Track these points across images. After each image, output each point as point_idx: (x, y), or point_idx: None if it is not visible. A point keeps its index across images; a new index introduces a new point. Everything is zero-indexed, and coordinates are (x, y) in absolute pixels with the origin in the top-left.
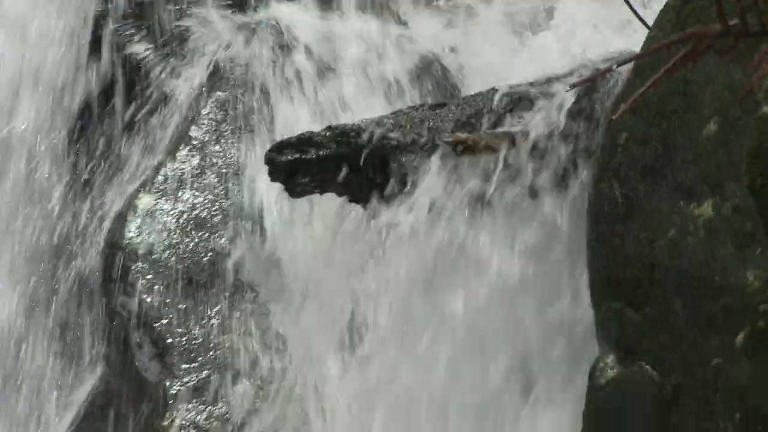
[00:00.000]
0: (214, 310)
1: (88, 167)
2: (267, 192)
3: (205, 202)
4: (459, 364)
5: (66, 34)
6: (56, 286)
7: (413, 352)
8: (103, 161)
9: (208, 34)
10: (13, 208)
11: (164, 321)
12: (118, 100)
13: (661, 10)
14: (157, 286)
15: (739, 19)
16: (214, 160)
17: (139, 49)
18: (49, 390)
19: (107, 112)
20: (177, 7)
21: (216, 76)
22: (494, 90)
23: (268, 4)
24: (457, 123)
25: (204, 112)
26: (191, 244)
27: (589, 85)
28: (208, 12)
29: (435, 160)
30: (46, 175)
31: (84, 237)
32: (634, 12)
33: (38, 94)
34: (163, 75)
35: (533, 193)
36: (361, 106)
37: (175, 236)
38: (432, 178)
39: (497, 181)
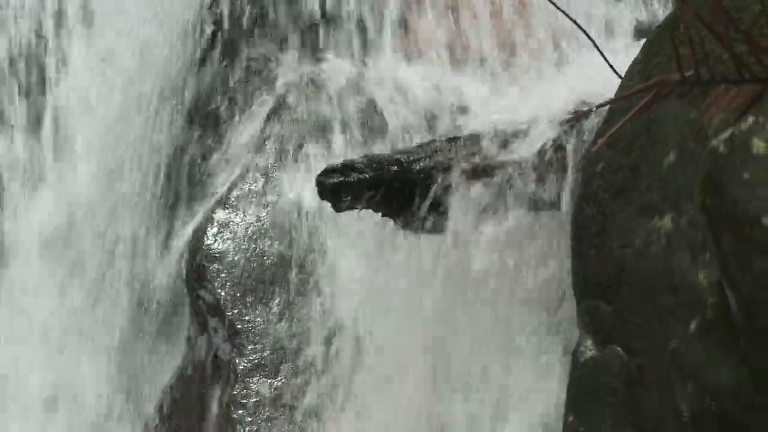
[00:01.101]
0: (275, 302)
1: (179, 187)
2: (318, 207)
3: (268, 215)
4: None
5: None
6: (154, 282)
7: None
8: (189, 183)
9: (281, 70)
10: (124, 217)
11: (234, 311)
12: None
13: (630, 64)
14: (228, 283)
15: (693, 70)
16: (275, 183)
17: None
18: (148, 361)
19: (192, 140)
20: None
21: (281, 110)
22: (497, 126)
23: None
24: (467, 152)
25: (268, 143)
26: (257, 249)
27: (574, 123)
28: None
29: (453, 183)
30: (149, 193)
31: (174, 243)
32: (611, 66)
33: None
34: (237, 112)
35: (534, 209)
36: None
37: (243, 243)
38: (450, 197)
39: (505, 199)
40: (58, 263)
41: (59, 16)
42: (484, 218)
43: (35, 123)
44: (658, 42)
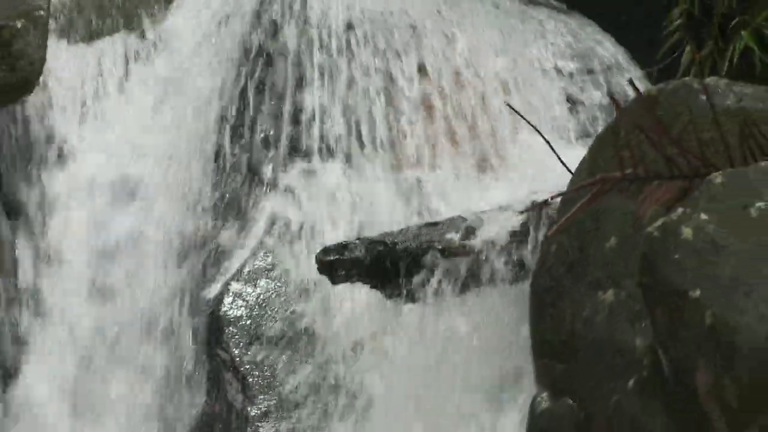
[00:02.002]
0: (281, 360)
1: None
2: (318, 279)
3: (275, 287)
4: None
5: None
6: (180, 341)
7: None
8: (207, 262)
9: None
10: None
11: (247, 366)
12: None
13: (579, 162)
14: (242, 343)
15: (632, 169)
16: (281, 260)
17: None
18: (173, 410)
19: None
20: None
21: (287, 199)
22: (469, 213)
23: None
24: (444, 236)
25: (276, 227)
26: (265, 315)
27: (533, 211)
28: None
29: (430, 261)
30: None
31: (197, 309)
32: (564, 164)
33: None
34: (252, 205)
35: (502, 283)
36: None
37: (255, 310)
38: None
39: (475, 273)
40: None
41: None
42: (458, 290)
43: None
44: (601, 145)
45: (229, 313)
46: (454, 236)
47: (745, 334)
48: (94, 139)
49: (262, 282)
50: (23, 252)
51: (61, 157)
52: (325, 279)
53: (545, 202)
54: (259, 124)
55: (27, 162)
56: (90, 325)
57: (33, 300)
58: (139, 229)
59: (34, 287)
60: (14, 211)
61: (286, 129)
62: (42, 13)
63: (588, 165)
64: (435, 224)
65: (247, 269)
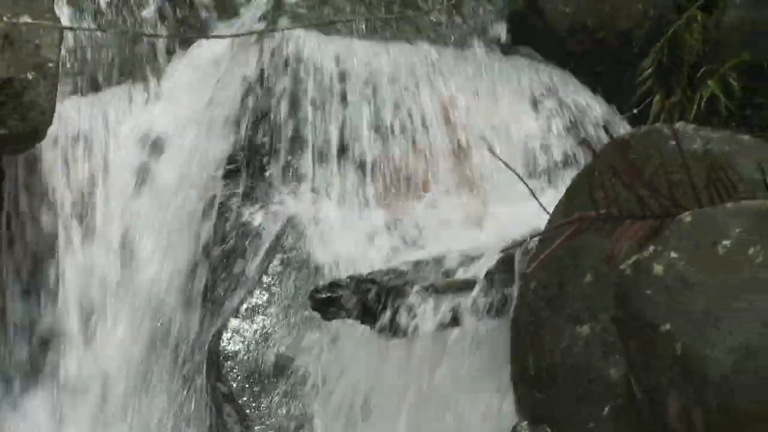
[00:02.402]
0: (277, 392)
1: (203, 301)
2: (309, 315)
3: (272, 323)
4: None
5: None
6: (180, 373)
7: None
8: (209, 299)
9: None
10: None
11: (244, 398)
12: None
13: (556, 204)
14: (240, 377)
15: (606, 209)
16: (277, 297)
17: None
18: None
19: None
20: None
21: (282, 240)
22: (452, 252)
23: None
24: (430, 273)
25: (272, 265)
26: (263, 351)
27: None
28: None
29: (416, 298)
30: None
31: (198, 344)
32: (541, 205)
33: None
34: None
35: (484, 317)
36: None
37: (251, 346)
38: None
39: (462, 309)
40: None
41: None
42: (444, 325)
43: None
44: (578, 187)
45: (228, 348)
46: (439, 274)
47: (714, 365)
48: None
49: (259, 318)
50: None
51: None
52: (317, 315)
53: (525, 241)
54: (256, 166)
55: None
56: None
57: None
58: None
59: None
60: None
61: (283, 168)
62: (52, 65)
63: (565, 205)
64: (422, 262)
65: (245, 306)
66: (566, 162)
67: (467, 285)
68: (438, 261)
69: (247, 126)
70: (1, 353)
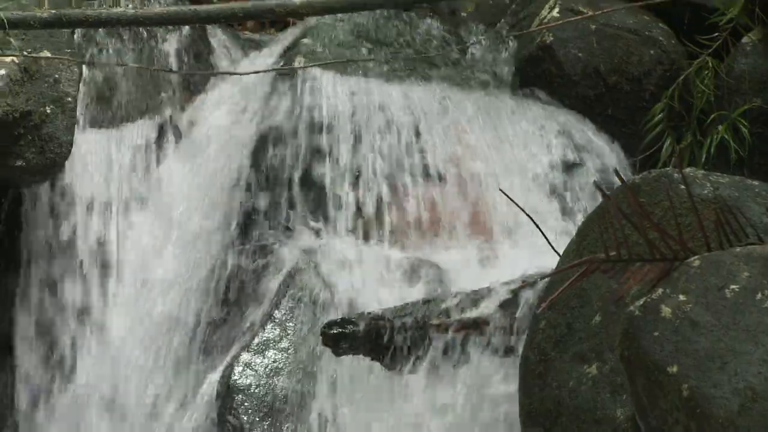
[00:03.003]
0: (286, 425)
1: (213, 337)
2: (321, 351)
3: (284, 358)
4: None
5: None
6: (193, 405)
7: None
8: (219, 333)
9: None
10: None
11: (254, 430)
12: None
13: (566, 245)
14: (250, 410)
15: (615, 251)
16: (289, 332)
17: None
18: None
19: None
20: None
21: (294, 276)
22: (463, 290)
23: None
24: (440, 311)
25: (284, 300)
26: (272, 384)
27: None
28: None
29: (426, 335)
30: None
31: (210, 377)
32: (552, 246)
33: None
34: (261, 280)
35: (494, 355)
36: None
37: (262, 379)
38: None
39: (473, 346)
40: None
41: None
42: (453, 362)
43: None
44: (588, 228)
45: (239, 381)
46: (449, 312)
47: (720, 407)
48: None
49: (271, 353)
50: None
51: None
52: (329, 350)
53: (535, 282)
54: (269, 201)
55: None
56: None
57: None
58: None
59: None
60: None
61: (296, 206)
62: (70, 99)
63: (575, 247)
64: (432, 300)
65: (256, 340)
66: (576, 203)
67: (478, 323)
68: (449, 299)
69: (261, 162)
70: None
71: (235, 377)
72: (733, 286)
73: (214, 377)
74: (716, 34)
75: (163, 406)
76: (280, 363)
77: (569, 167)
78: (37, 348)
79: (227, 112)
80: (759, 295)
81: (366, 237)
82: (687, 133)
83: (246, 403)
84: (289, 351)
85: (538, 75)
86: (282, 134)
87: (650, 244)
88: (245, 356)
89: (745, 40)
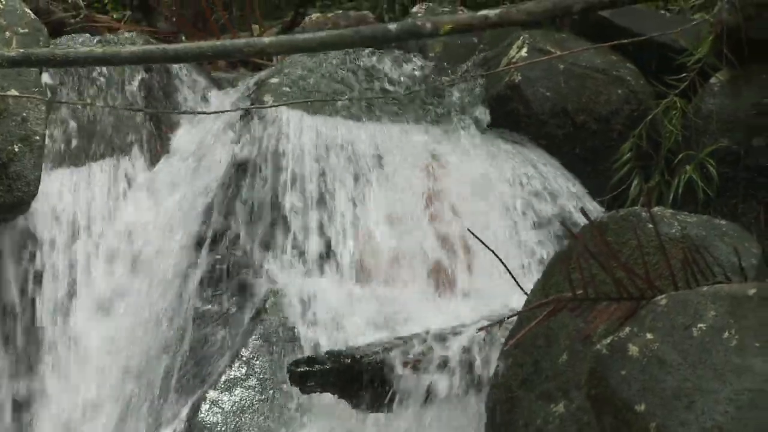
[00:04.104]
0: None
1: (178, 375)
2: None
3: (249, 395)
4: None
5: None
6: None
7: None
8: (188, 371)
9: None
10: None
11: None
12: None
13: (533, 285)
14: None
15: (582, 290)
16: (257, 370)
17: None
18: None
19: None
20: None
21: (262, 314)
22: (430, 329)
23: None
24: (407, 350)
25: (252, 338)
26: (239, 422)
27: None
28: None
29: (393, 374)
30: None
31: (176, 414)
32: (519, 285)
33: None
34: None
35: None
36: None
37: (229, 417)
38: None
39: (441, 385)
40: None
41: None
42: (420, 402)
43: None
44: (556, 267)
45: (205, 419)
46: (416, 351)
47: None
48: None
49: (238, 390)
50: None
51: None
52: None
53: (501, 321)
54: (238, 239)
55: None
56: None
57: None
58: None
59: None
60: None
61: (265, 242)
62: (38, 138)
63: (542, 286)
64: (399, 339)
65: (223, 378)
66: (544, 242)
67: (445, 362)
68: (416, 337)
69: (227, 201)
70: None
71: (202, 415)
72: (700, 325)
73: (182, 415)
74: (684, 74)
75: None
76: (247, 401)
77: (536, 207)
78: None
79: (194, 150)
80: (726, 334)
81: (333, 275)
82: (655, 173)
83: None
84: (257, 389)
85: (507, 114)
86: (248, 170)
87: (617, 282)
88: (212, 394)
89: (713, 80)
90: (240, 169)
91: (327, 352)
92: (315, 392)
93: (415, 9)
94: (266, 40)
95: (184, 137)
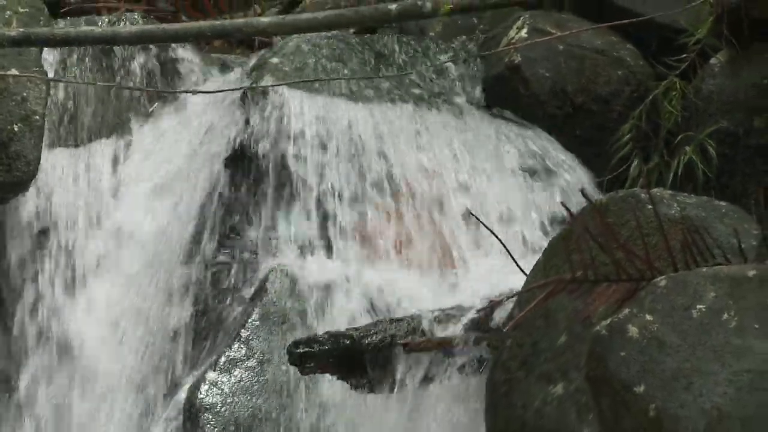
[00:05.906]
0: None
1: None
2: (287, 369)
3: (249, 376)
4: None
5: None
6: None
7: None
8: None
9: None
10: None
11: None
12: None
13: (533, 266)
14: (216, 429)
15: (581, 271)
16: (255, 351)
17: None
18: None
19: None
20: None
21: (261, 294)
22: (429, 310)
23: None
24: (407, 331)
25: (251, 319)
26: (239, 403)
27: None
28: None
29: (393, 355)
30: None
31: (176, 397)
32: (519, 266)
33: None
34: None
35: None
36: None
37: (228, 398)
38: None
39: (440, 366)
40: None
41: None
42: (420, 383)
43: None
44: (555, 249)
45: (205, 400)
46: (416, 331)
47: (686, 426)
48: None
49: (237, 371)
50: None
51: None
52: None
53: (501, 302)
54: (236, 220)
55: None
56: None
57: None
58: None
59: None
60: None
61: (264, 223)
62: (38, 117)
63: (542, 267)
64: (399, 320)
65: (222, 359)
66: (545, 223)
67: (444, 343)
68: (416, 318)
69: (227, 182)
70: None
71: (202, 396)
72: (699, 306)
73: (180, 396)
74: (684, 55)
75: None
76: (246, 382)
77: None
78: None
79: (194, 130)
80: (725, 316)
81: (332, 255)
82: (654, 154)
83: (212, 422)
84: (256, 370)
85: (506, 94)
86: (250, 150)
87: (617, 264)
88: (211, 375)
89: (712, 61)
90: (241, 149)
91: (327, 333)
92: (314, 373)
93: None
94: (266, 20)
95: (183, 116)
